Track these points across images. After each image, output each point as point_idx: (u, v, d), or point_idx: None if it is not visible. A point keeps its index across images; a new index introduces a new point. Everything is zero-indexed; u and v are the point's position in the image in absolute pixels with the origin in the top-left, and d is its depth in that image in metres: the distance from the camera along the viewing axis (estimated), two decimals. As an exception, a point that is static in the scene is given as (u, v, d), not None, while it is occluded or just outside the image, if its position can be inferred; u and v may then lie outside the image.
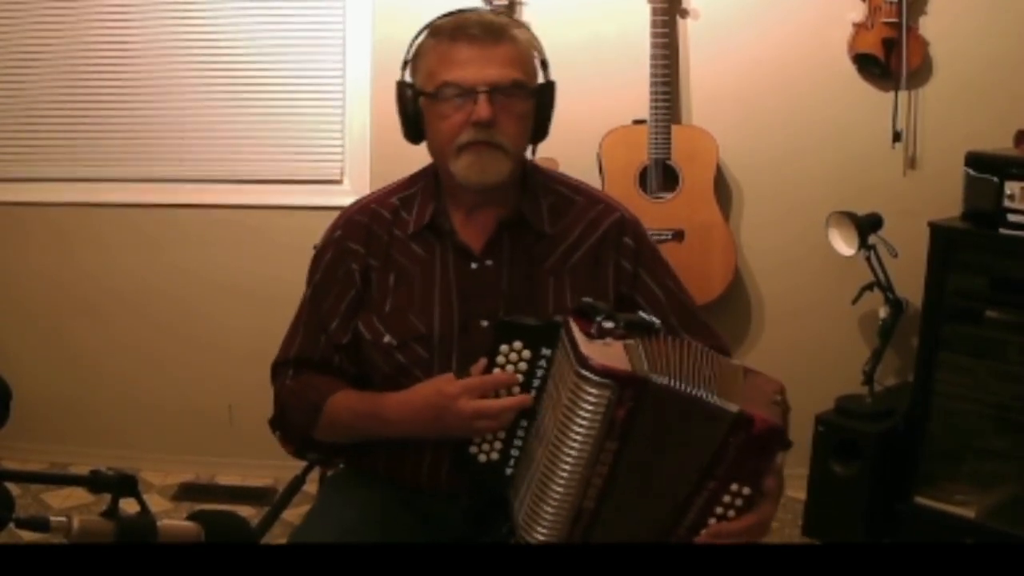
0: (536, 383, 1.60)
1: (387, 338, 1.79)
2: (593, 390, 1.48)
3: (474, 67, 1.72)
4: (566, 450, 1.51)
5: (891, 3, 3.06)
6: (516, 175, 1.81)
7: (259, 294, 3.46)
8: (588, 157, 3.19)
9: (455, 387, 1.64)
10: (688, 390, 1.52)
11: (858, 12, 3.13)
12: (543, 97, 1.81)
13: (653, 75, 3.13)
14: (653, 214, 3.16)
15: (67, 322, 3.64)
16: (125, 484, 1.24)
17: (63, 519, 1.16)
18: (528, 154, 1.86)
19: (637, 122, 3.19)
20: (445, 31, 1.75)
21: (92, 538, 1.17)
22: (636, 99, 3.16)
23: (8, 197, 3.58)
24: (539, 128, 1.83)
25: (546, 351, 1.59)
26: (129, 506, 1.24)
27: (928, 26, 3.13)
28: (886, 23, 3.07)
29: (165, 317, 3.59)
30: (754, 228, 3.34)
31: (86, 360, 3.64)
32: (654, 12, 3.12)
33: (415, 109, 1.79)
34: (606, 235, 1.84)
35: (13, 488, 1.22)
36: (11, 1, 3.48)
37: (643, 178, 3.17)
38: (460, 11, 1.79)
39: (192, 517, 1.31)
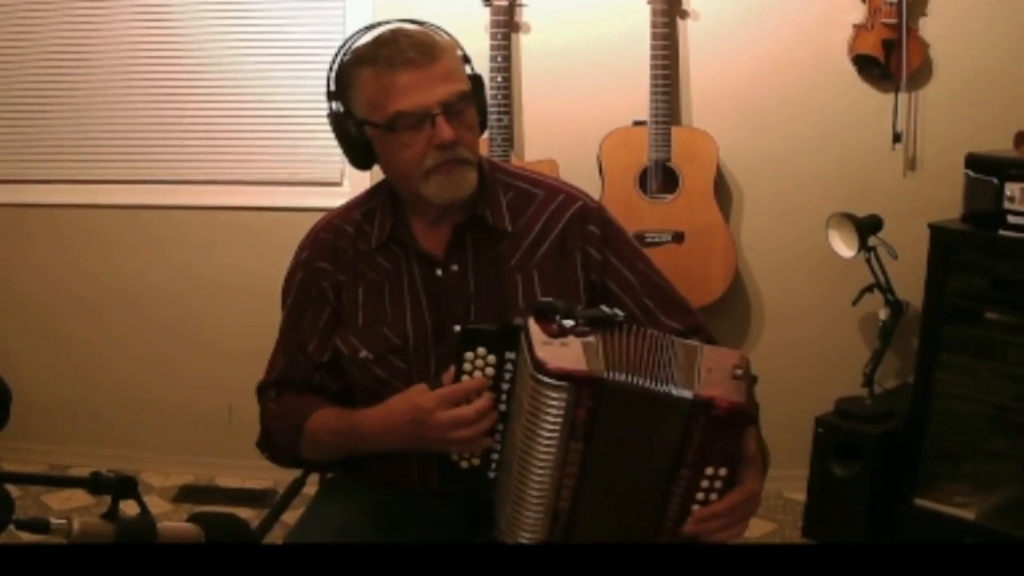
0: (505, 387, 1.60)
1: (363, 353, 1.79)
2: (551, 393, 1.49)
3: (422, 91, 1.69)
4: (534, 454, 1.51)
5: (891, 4, 3.06)
6: None
7: (259, 294, 3.44)
8: (588, 158, 3.19)
9: (429, 400, 1.63)
10: (644, 383, 1.51)
11: (858, 13, 3.13)
12: (477, 93, 1.78)
13: (653, 76, 3.13)
14: (653, 215, 3.16)
15: (67, 322, 3.64)
16: (125, 486, 1.24)
17: (63, 521, 1.16)
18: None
19: (637, 123, 3.19)
20: (381, 59, 1.71)
21: (92, 540, 1.17)
22: (636, 100, 3.16)
23: (8, 197, 3.59)
24: (482, 122, 1.81)
25: (510, 355, 1.59)
26: (129, 508, 1.24)
27: (928, 27, 3.13)
28: (886, 24, 3.07)
29: (165, 317, 3.59)
30: (754, 229, 3.34)
31: (86, 360, 3.64)
32: (654, 13, 3.12)
33: (360, 138, 1.77)
34: (569, 225, 1.82)
35: (13, 490, 1.22)
36: (17, 8, 3.48)
37: (643, 179, 3.17)
38: (387, 34, 1.74)
39: (192, 519, 1.31)
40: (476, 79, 1.80)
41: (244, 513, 3.02)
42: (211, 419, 3.56)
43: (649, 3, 3.13)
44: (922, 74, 3.15)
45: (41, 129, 3.56)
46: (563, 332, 1.56)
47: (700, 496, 1.55)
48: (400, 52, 1.70)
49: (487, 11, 3.17)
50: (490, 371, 1.60)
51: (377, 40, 1.75)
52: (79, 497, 3.26)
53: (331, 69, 1.79)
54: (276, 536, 2.90)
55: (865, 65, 3.16)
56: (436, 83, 1.70)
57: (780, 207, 3.32)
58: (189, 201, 3.52)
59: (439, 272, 1.80)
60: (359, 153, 1.80)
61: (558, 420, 1.49)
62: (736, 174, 3.31)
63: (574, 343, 1.55)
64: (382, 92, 1.71)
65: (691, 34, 3.25)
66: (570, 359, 1.51)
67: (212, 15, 3.42)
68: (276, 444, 1.89)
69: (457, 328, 1.71)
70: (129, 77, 3.48)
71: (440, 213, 1.81)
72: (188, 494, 3.45)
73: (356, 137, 1.78)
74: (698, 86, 3.27)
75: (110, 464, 2.42)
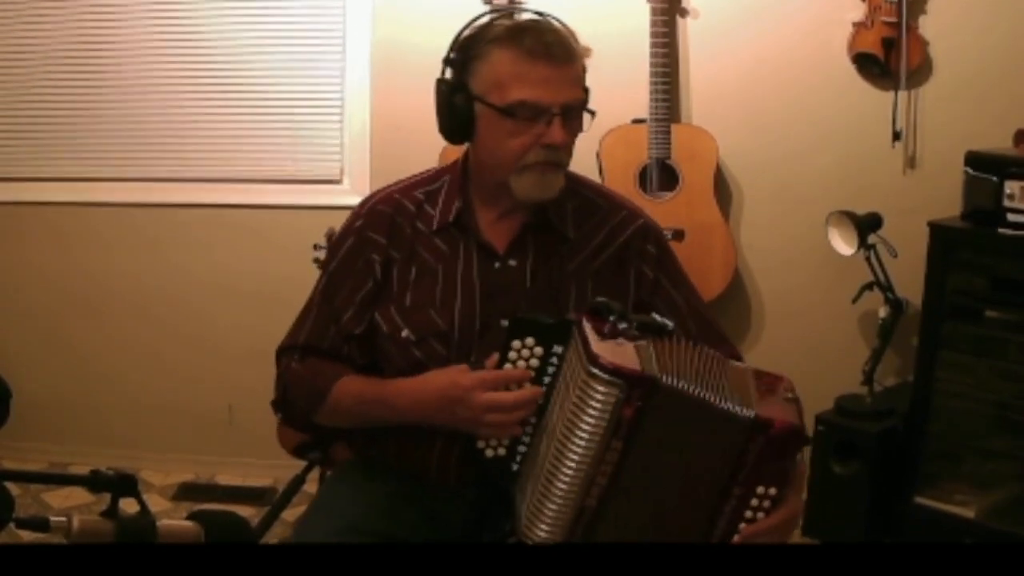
0: (547, 380, 1.62)
1: (405, 332, 1.78)
2: (602, 388, 1.49)
3: (551, 88, 1.71)
4: (571, 447, 1.51)
5: (891, 2, 3.05)
6: None
7: (259, 294, 3.47)
8: (588, 156, 3.19)
9: (469, 379, 1.64)
10: (699, 393, 1.53)
11: (858, 11, 3.13)
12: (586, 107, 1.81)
13: (653, 75, 3.13)
14: (653, 213, 3.12)
15: (67, 322, 3.64)
16: (125, 484, 1.24)
17: (63, 519, 1.16)
18: None
19: (637, 121, 3.19)
20: (523, 45, 1.71)
21: (92, 538, 1.18)
22: (636, 99, 3.16)
23: (8, 197, 3.58)
24: None
25: (557, 348, 1.60)
26: (129, 506, 1.25)
27: (928, 25, 3.12)
28: (886, 22, 3.07)
29: (165, 317, 3.59)
30: (754, 227, 3.34)
31: (86, 360, 3.64)
32: (654, 12, 3.12)
33: (466, 111, 1.76)
34: (629, 241, 1.85)
35: (13, 488, 1.22)
36: (10, 3, 3.48)
37: (643, 177, 3.17)
38: (533, 23, 1.75)
39: (192, 517, 1.31)
40: (586, 92, 1.81)
41: (244, 511, 3.02)
42: (211, 418, 3.56)
43: (649, 1, 3.13)
44: (922, 72, 3.15)
45: (40, 128, 3.55)
46: (615, 333, 1.58)
47: (749, 514, 1.56)
48: (545, 45, 1.71)
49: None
50: (535, 362, 1.61)
51: (522, 26, 1.75)
52: (79, 495, 3.26)
53: (457, 38, 1.78)
54: (276, 534, 2.91)
55: (865, 63, 3.15)
56: (565, 85, 1.72)
57: (780, 205, 3.32)
58: (189, 199, 3.52)
59: (497, 265, 1.80)
60: (460, 126, 1.79)
61: (604, 415, 1.50)
62: (736, 172, 3.31)
63: (627, 345, 1.57)
64: (514, 76, 1.71)
65: (691, 32, 3.25)
66: (624, 357, 1.53)
67: (212, 15, 3.42)
68: (292, 404, 1.87)
69: (504, 323, 1.72)
70: (129, 76, 3.48)
71: (511, 208, 1.81)
72: (188, 492, 3.45)
73: (463, 109, 1.76)
74: (698, 84, 3.27)
75: (110, 462, 2.43)
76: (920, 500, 2.93)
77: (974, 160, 2.81)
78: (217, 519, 1.32)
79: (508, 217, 1.83)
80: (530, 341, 1.61)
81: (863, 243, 3.04)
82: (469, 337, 1.77)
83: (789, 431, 1.53)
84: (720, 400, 1.53)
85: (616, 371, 1.49)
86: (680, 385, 1.52)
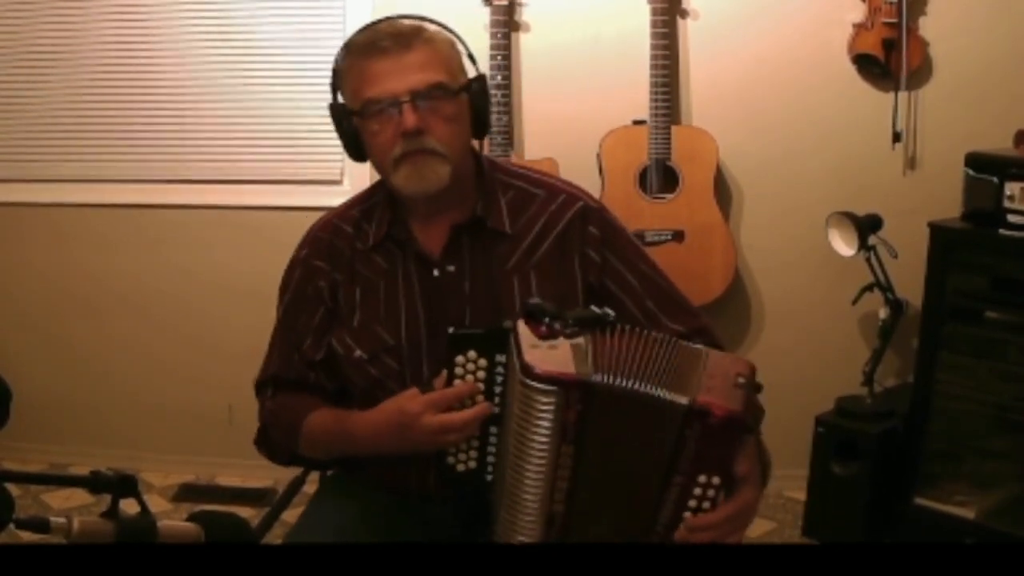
0: (497, 389, 1.60)
1: (358, 352, 1.78)
2: (540, 397, 1.48)
3: (391, 79, 1.69)
4: (526, 457, 1.51)
5: (891, 3, 3.05)
6: (463, 176, 1.78)
7: (259, 294, 3.43)
8: (588, 157, 3.19)
9: (417, 404, 1.63)
10: (634, 386, 1.50)
11: (858, 12, 3.13)
12: (474, 92, 1.77)
13: (653, 75, 3.13)
14: (653, 214, 3.16)
15: (67, 322, 3.64)
16: (125, 485, 1.24)
17: (63, 520, 1.16)
18: (497, 150, 1.85)
19: (637, 122, 3.19)
20: (358, 48, 1.73)
21: (92, 539, 1.17)
22: (636, 99, 3.16)
23: (8, 197, 3.59)
24: (479, 123, 1.79)
25: (500, 357, 1.58)
26: (129, 507, 1.24)
27: (928, 26, 3.13)
28: (886, 23, 3.07)
29: (165, 317, 3.59)
30: (754, 228, 3.34)
31: (86, 360, 3.64)
32: (654, 12, 3.12)
33: (351, 129, 1.77)
34: (569, 227, 1.80)
35: (13, 489, 1.22)
36: (12, 3, 3.48)
37: (643, 178, 3.17)
38: (372, 24, 1.75)
39: (192, 518, 1.31)
40: (477, 79, 1.78)
41: (244, 512, 3.02)
42: (211, 419, 3.55)
43: (649, 2, 3.13)
44: (922, 73, 3.15)
45: (41, 129, 3.55)
46: (552, 334, 1.55)
47: (692, 504, 1.54)
48: (375, 41, 1.71)
49: (487, 10, 3.17)
50: (481, 374, 1.60)
51: (361, 30, 1.76)
52: (79, 496, 3.26)
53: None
54: (276, 535, 2.90)
55: (865, 64, 3.16)
56: (408, 72, 1.69)
57: (780, 206, 3.32)
58: (189, 200, 3.52)
59: (436, 272, 1.79)
60: (350, 144, 1.80)
61: (548, 424, 1.49)
62: (736, 173, 3.31)
63: (563, 345, 1.54)
64: (358, 79, 1.72)
65: (691, 33, 3.25)
66: (558, 362, 1.50)
67: (212, 15, 3.42)
68: (273, 442, 1.90)
69: (451, 330, 1.69)
70: (129, 77, 3.48)
71: (431, 210, 1.80)
72: (188, 493, 3.45)
73: (347, 127, 1.78)
74: (698, 85, 3.27)
75: (110, 463, 2.42)
76: (920, 500, 2.93)
77: (974, 161, 2.81)
78: (217, 520, 1.32)
79: (439, 221, 1.80)
80: (472, 354, 1.59)
81: (863, 244, 3.04)
82: (418, 349, 1.76)
83: (726, 418, 1.48)
84: (656, 389, 1.50)
85: (549, 379, 1.48)
86: (616, 381, 1.50)
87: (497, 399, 1.60)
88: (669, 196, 3.18)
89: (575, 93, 3.30)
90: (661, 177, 3.18)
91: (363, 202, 1.88)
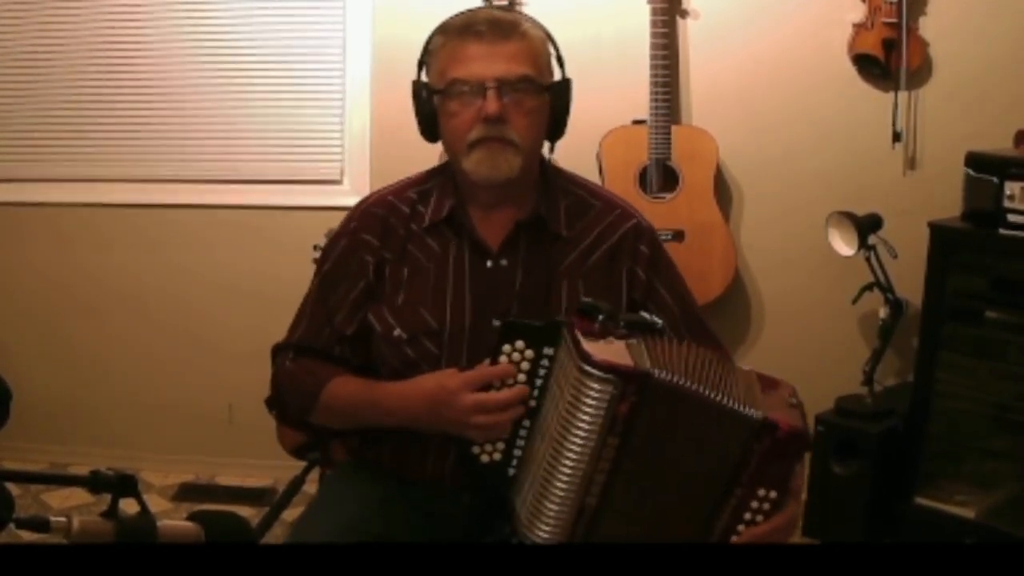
0: (539, 382, 1.61)
1: (397, 331, 1.78)
2: (596, 385, 1.49)
3: (482, 63, 1.72)
4: (568, 446, 1.51)
5: (891, 3, 3.05)
6: (530, 172, 1.81)
7: (259, 294, 3.47)
8: (588, 157, 3.19)
9: (456, 381, 1.65)
10: (699, 390, 1.52)
11: (858, 12, 3.13)
12: (557, 94, 1.81)
13: (653, 75, 3.13)
14: (653, 214, 3.12)
15: (67, 322, 3.64)
16: (125, 484, 1.24)
17: (63, 519, 1.16)
18: (546, 152, 1.86)
19: (637, 122, 3.19)
20: (454, 29, 1.76)
21: (92, 538, 1.17)
22: (636, 99, 3.16)
23: (8, 197, 3.58)
24: (555, 125, 1.83)
25: (548, 350, 1.60)
26: (129, 506, 1.24)
27: (928, 26, 3.12)
28: (886, 23, 3.07)
29: (165, 317, 3.59)
30: (754, 228, 3.34)
31: (86, 360, 3.64)
32: (654, 12, 3.12)
33: (430, 107, 1.79)
34: (622, 241, 1.84)
35: (13, 488, 1.22)
36: (13, 2, 3.48)
37: (643, 178, 3.17)
38: (472, 10, 1.80)
39: (192, 517, 1.31)
40: (564, 82, 1.82)
41: (244, 511, 3.02)
42: (211, 419, 3.56)
43: (649, 2, 3.13)
44: (922, 73, 3.15)
45: (41, 128, 3.55)
46: (605, 332, 1.57)
47: (748, 516, 1.56)
48: (473, 25, 1.74)
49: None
50: (526, 365, 1.61)
51: (460, 14, 1.79)
52: (79, 496, 3.26)
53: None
54: (276, 534, 2.91)
55: (865, 64, 3.15)
56: (499, 60, 1.72)
57: (780, 206, 3.32)
58: (189, 199, 3.52)
59: (489, 263, 1.80)
60: (426, 121, 1.81)
61: (599, 413, 1.50)
62: (736, 173, 3.31)
63: (617, 343, 1.56)
64: (448, 59, 1.75)
65: (691, 33, 3.25)
66: (616, 355, 1.52)
67: (212, 16, 3.42)
68: (286, 403, 1.88)
69: (496, 322, 1.71)
70: (129, 77, 3.48)
71: (492, 200, 1.81)
72: (188, 492, 3.45)
73: (426, 105, 1.79)
74: (698, 85, 3.27)
75: (110, 462, 2.42)
76: (920, 500, 2.93)
77: (974, 161, 2.81)
78: (217, 519, 1.32)
79: (500, 214, 1.82)
80: (520, 344, 1.61)
81: (863, 244, 3.04)
82: (460, 336, 1.77)
83: (795, 434, 1.53)
84: (723, 398, 1.53)
85: (609, 368, 1.49)
86: (676, 380, 1.52)
87: (536, 392, 1.61)
88: (669, 196, 3.18)
89: (575, 92, 3.29)
90: (661, 177, 3.18)
91: (420, 184, 1.89)
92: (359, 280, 1.83)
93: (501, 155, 1.74)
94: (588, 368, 1.49)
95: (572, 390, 1.51)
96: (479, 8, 1.81)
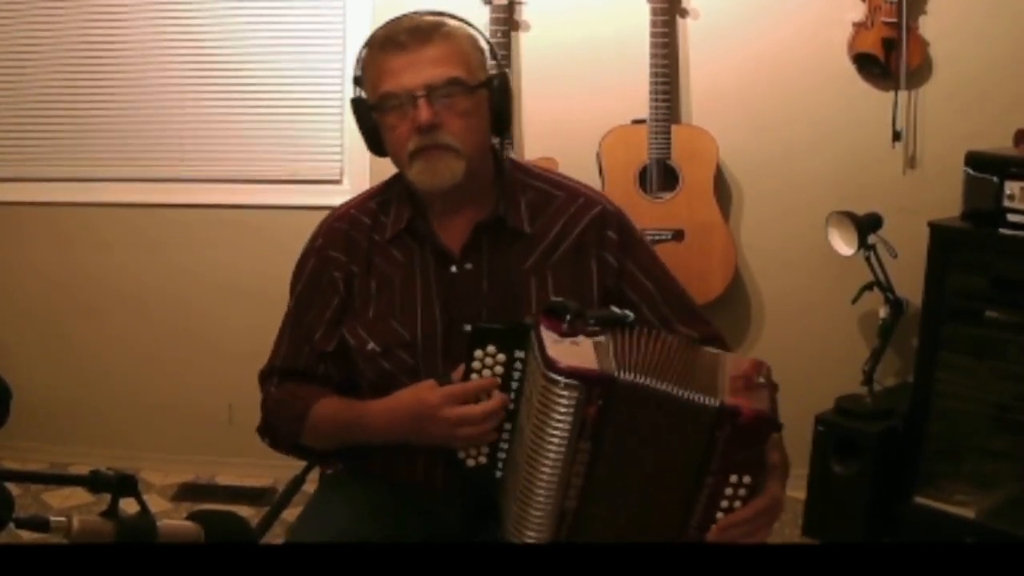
0: (514, 385, 1.60)
1: (371, 345, 1.78)
2: (562, 391, 1.48)
3: (408, 73, 1.69)
4: (543, 452, 1.51)
5: (891, 3, 3.05)
6: (480, 173, 1.79)
7: (259, 294, 3.46)
8: (588, 157, 3.19)
9: (437, 396, 1.64)
10: (660, 386, 1.51)
11: (858, 12, 3.13)
12: (493, 89, 1.77)
13: (653, 75, 3.13)
14: (653, 214, 3.16)
15: (67, 322, 3.64)
16: (125, 484, 1.24)
17: (63, 519, 1.16)
18: (511, 149, 1.85)
19: (637, 122, 3.19)
20: (377, 42, 1.74)
21: (92, 538, 1.17)
22: (636, 99, 3.16)
23: (8, 197, 3.58)
24: (498, 120, 1.79)
25: (519, 353, 1.59)
26: (129, 506, 1.24)
27: (928, 26, 3.12)
28: (886, 23, 3.07)
29: (165, 317, 3.59)
30: (754, 228, 3.34)
31: (86, 360, 3.64)
32: (654, 12, 3.12)
33: (371, 123, 1.77)
34: (587, 230, 1.81)
35: (13, 488, 1.22)
36: (9, 2, 3.48)
37: (643, 178, 3.18)
38: (395, 19, 1.76)
39: (192, 517, 1.31)
40: (498, 76, 1.78)
41: (244, 511, 3.02)
42: (211, 418, 3.55)
43: (649, 2, 3.13)
44: (922, 72, 3.15)
45: (41, 128, 3.55)
46: (573, 332, 1.56)
47: (724, 504, 1.55)
48: (394, 35, 1.72)
49: (487, 9, 3.17)
50: (499, 370, 1.60)
51: (385, 26, 1.76)
52: (79, 495, 3.26)
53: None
54: (276, 534, 2.90)
55: (865, 63, 3.16)
56: (424, 66, 1.69)
57: (780, 205, 3.32)
58: (189, 199, 3.52)
59: (453, 269, 1.79)
60: (371, 138, 1.80)
61: (567, 418, 1.49)
62: (736, 172, 3.31)
63: (585, 343, 1.55)
64: (377, 74, 1.73)
65: (691, 33, 3.25)
66: (581, 358, 1.51)
67: (213, 15, 3.42)
68: (276, 431, 1.89)
69: (467, 327, 1.70)
70: (129, 76, 3.48)
71: (449, 206, 1.80)
72: (188, 492, 3.45)
73: (366, 121, 1.78)
74: (698, 85, 3.27)
75: (110, 462, 2.42)
76: (920, 500, 2.93)
77: (974, 160, 2.81)
78: (217, 519, 1.32)
79: (460, 218, 1.80)
80: (491, 349, 1.60)
81: (863, 243, 3.04)
82: (433, 345, 1.76)
83: (756, 418, 1.50)
84: (682, 391, 1.51)
85: (572, 373, 1.48)
86: (639, 379, 1.50)
87: (513, 395, 1.60)
88: (669, 195, 3.18)
89: (575, 92, 3.30)
90: (661, 176, 3.18)
91: (380, 194, 1.88)
92: (332, 297, 1.83)
93: (441, 162, 1.72)
94: (552, 374, 1.48)
95: (540, 396, 1.50)
96: (402, 16, 1.76)
